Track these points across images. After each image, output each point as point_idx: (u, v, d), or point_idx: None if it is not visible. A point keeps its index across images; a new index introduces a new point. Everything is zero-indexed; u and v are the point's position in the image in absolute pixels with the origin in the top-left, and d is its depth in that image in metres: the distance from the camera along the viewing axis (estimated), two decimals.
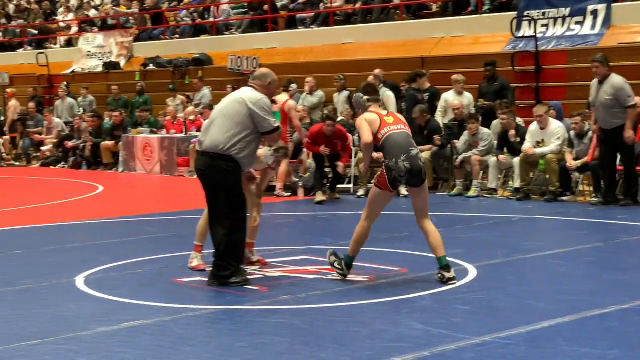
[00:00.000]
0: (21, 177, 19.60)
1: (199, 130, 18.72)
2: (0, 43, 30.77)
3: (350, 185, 15.19)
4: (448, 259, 7.78)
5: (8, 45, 30.35)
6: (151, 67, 23.85)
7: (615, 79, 12.50)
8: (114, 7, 27.68)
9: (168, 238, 10.67)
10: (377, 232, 10.44)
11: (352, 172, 15.29)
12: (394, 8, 20.41)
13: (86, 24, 28.16)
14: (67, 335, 6.16)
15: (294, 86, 14.76)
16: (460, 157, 14.25)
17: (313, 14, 22.03)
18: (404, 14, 20.14)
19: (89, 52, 26.43)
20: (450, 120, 15.17)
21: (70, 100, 23.61)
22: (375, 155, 9.69)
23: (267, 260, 8.71)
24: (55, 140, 22.28)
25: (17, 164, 23.24)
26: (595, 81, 12.71)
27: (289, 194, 14.64)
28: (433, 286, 7.55)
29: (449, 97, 15.77)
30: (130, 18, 26.40)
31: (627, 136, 12.43)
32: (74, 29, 28.48)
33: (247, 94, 7.81)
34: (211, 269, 7.85)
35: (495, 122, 14.76)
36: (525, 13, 17.38)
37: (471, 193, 14.09)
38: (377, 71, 16.47)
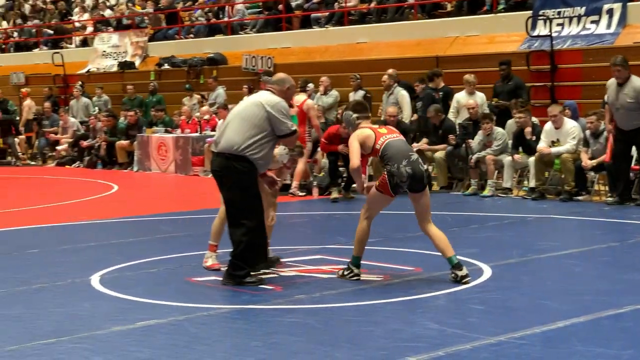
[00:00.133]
0: (37, 177, 19.69)
1: (213, 129, 18.78)
2: (16, 43, 30.90)
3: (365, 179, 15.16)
4: (461, 257, 7.77)
5: (24, 45, 30.46)
6: (166, 66, 23.90)
7: (637, 82, 12.42)
8: (130, 7, 27.76)
9: (182, 237, 10.69)
10: (391, 232, 10.47)
11: (367, 172, 15.26)
12: (408, 7, 20.38)
13: (101, 24, 28.25)
14: (82, 334, 6.18)
15: (310, 86, 14.81)
16: (475, 157, 14.22)
17: (327, 13, 22.02)
18: (419, 13, 20.11)
19: (104, 51, 26.51)
20: (465, 119, 15.14)
21: (85, 99, 23.69)
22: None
23: (282, 260, 8.72)
24: (71, 140, 22.36)
25: (32, 163, 23.34)
26: (613, 82, 12.64)
27: (304, 193, 14.65)
28: (447, 286, 7.54)
29: (460, 97, 15.75)
30: (145, 18, 26.46)
31: None
32: (89, 29, 28.57)
33: (265, 97, 7.85)
34: (226, 268, 7.87)
35: (510, 122, 14.72)
36: (541, 12, 17.31)
37: (486, 192, 14.06)
38: (390, 71, 16.46)
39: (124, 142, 20.56)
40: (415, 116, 16.07)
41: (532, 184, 13.69)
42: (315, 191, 14.76)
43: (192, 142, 18.93)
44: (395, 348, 5.71)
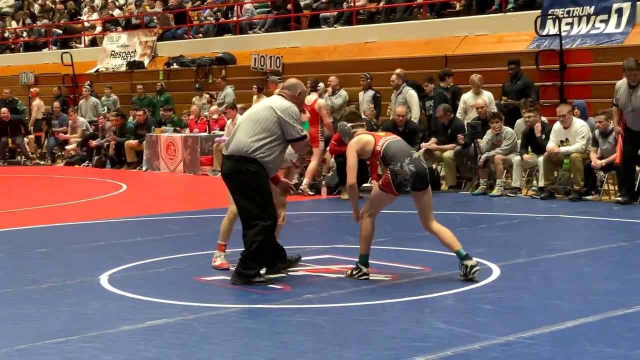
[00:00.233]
0: (46, 176, 19.74)
1: (222, 129, 18.81)
2: (25, 43, 30.96)
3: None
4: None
5: (33, 44, 30.53)
6: (174, 66, 23.92)
7: None
8: (138, 6, 27.81)
9: (191, 237, 10.70)
10: (400, 231, 10.47)
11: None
12: (417, 7, 20.37)
13: (110, 24, 28.29)
14: (91, 333, 6.19)
15: (321, 85, 14.80)
16: (484, 156, 14.20)
17: (336, 12, 22.02)
18: (427, 13, 20.09)
19: (113, 51, 26.55)
20: (474, 119, 15.12)
21: (93, 99, 23.74)
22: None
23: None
24: (80, 139, 22.40)
25: (41, 162, 23.39)
26: (623, 83, 12.58)
27: (313, 192, 14.65)
28: (456, 285, 7.53)
29: (467, 98, 15.74)
30: (154, 17, 26.50)
31: None
32: (98, 29, 28.62)
33: (276, 102, 7.89)
34: (236, 266, 7.87)
35: (519, 121, 14.69)
36: (550, 11, 17.28)
37: (495, 192, 14.03)
38: (398, 70, 16.45)
39: (132, 142, 20.59)
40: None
41: (541, 183, 13.66)
42: (324, 191, 14.75)
43: (201, 141, 18.95)
44: (404, 348, 5.71)
